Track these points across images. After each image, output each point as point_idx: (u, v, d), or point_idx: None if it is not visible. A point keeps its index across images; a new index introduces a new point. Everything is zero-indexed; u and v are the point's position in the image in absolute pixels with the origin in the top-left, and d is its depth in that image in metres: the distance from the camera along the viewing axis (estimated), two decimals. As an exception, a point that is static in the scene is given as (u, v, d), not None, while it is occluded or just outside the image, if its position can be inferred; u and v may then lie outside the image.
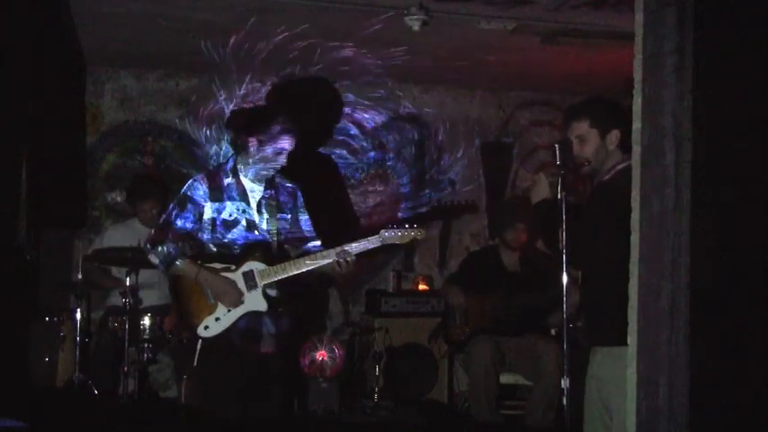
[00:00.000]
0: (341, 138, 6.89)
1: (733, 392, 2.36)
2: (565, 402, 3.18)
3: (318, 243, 3.80)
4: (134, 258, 5.15)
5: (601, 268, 3.11)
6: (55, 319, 5.36)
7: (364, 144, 6.91)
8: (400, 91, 6.98)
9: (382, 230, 3.74)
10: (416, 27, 4.96)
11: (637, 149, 2.55)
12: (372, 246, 3.71)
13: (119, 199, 6.46)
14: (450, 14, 4.98)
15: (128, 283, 5.24)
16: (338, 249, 3.64)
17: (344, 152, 6.86)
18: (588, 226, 3.16)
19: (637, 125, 2.54)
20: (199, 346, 3.64)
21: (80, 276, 5.42)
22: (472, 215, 7.12)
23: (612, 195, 3.04)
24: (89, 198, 6.43)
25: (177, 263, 3.62)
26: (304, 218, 3.84)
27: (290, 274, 3.65)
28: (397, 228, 3.75)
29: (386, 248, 6.72)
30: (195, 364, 3.68)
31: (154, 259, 3.65)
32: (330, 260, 3.65)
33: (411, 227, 3.77)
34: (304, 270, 3.67)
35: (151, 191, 5.63)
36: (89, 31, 5.41)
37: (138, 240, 5.09)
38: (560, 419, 4.30)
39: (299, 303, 4.15)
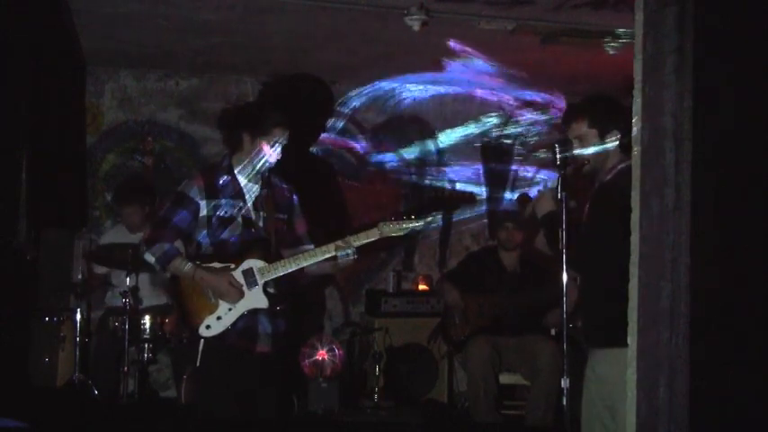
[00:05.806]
0: (341, 138, 6.89)
1: (733, 392, 2.35)
2: (564, 402, 3.18)
3: (312, 246, 3.78)
4: (134, 258, 5.15)
5: (601, 269, 3.11)
6: (55, 319, 5.37)
7: (364, 144, 6.90)
8: (400, 90, 6.99)
9: (380, 223, 3.73)
10: (416, 27, 4.96)
11: (637, 149, 2.54)
12: (371, 239, 3.69)
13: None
14: (450, 14, 4.98)
15: (127, 284, 5.25)
16: (337, 243, 3.64)
17: (345, 152, 6.85)
18: (590, 227, 3.16)
19: (637, 125, 2.54)
20: (201, 347, 3.62)
21: (80, 276, 5.43)
22: (472, 212, 7.11)
23: (613, 196, 3.04)
24: (89, 198, 6.43)
25: (173, 262, 3.60)
26: (299, 220, 3.84)
27: (290, 270, 3.64)
28: (395, 220, 3.74)
29: (386, 248, 6.80)
30: (198, 364, 3.65)
31: (149, 258, 3.63)
32: (330, 254, 3.65)
33: (409, 218, 3.76)
34: (304, 266, 3.66)
35: (134, 196, 5.59)
36: (89, 31, 5.41)
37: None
38: (560, 419, 4.29)
39: (297, 303, 4.14)
